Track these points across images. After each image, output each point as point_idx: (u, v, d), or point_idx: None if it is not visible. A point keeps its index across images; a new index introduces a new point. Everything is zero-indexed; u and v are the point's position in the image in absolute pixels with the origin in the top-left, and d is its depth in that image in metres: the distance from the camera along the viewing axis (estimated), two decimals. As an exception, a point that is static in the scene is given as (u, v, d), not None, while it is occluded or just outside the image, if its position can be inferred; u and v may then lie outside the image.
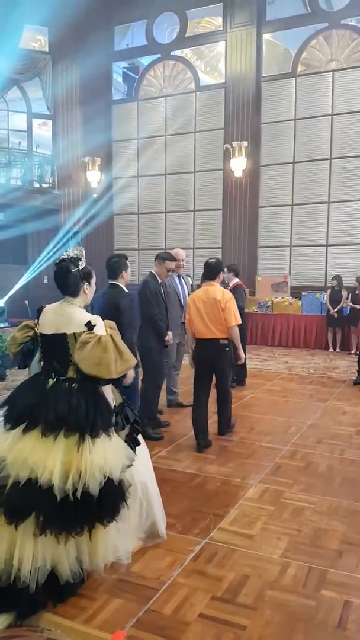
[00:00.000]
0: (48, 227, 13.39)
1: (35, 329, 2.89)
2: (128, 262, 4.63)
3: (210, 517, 3.49)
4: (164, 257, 5.35)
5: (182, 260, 6.24)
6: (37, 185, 13.82)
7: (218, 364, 5.02)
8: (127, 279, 4.52)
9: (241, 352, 5.16)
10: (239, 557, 3.03)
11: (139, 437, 3.06)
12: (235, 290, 6.97)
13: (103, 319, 2.85)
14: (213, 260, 5.19)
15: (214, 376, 5.14)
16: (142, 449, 3.08)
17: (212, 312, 4.87)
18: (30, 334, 2.90)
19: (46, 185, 13.95)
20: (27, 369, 3.01)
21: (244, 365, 7.02)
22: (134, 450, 2.88)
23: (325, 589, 2.72)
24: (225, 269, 6.90)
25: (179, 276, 6.27)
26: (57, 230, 13.52)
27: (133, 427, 3.01)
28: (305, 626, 2.44)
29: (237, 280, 7.47)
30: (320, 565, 2.94)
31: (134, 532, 2.98)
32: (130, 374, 4.14)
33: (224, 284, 6.81)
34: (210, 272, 5.10)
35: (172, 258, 5.51)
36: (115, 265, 4.48)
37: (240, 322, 5.00)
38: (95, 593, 2.67)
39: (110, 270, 4.49)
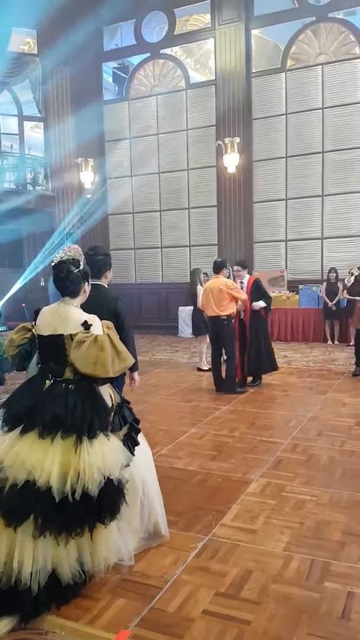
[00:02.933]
0: (43, 230, 13.37)
1: (33, 331, 2.88)
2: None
3: (212, 514, 3.49)
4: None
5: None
6: (30, 187, 13.79)
7: (220, 333, 7.01)
8: (109, 279, 4.13)
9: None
10: (241, 552, 3.03)
11: (141, 436, 3.05)
12: (257, 282, 7.31)
13: None
14: (219, 259, 7.40)
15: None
16: (144, 448, 3.08)
17: (218, 297, 6.86)
18: (28, 335, 2.89)
19: (40, 187, 13.92)
20: (25, 371, 3.01)
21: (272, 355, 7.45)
22: (132, 450, 2.87)
23: (328, 581, 2.72)
24: (236, 266, 7.43)
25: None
26: (52, 232, 13.49)
27: (132, 427, 3.00)
28: (310, 618, 2.44)
29: (248, 275, 7.47)
30: (323, 557, 2.94)
31: (135, 533, 2.97)
32: (136, 377, 4.12)
33: (239, 283, 7.35)
34: (217, 268, 7.15)
35: None
36: (101, 263, 3.99)
37: (245, 295, 6.95)
38: (98, 593, 2.66)
39: (94, 268, 3.88)
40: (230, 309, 6.90)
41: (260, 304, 7.11)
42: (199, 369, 8.51)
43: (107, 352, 2.68)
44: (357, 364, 7.95)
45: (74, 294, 2.87)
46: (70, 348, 2.73)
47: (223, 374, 7.14)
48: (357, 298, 8.91)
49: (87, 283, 2.95)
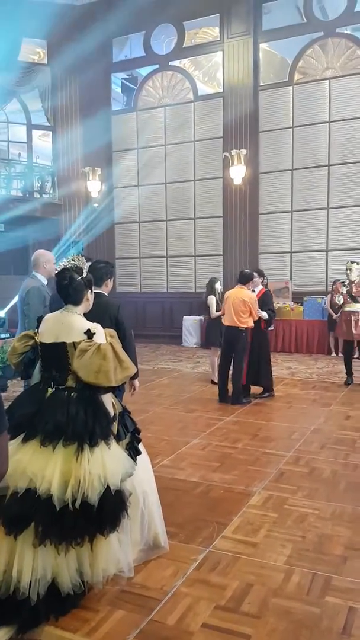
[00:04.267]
0: (49, 237, 13.42)
1: (36, 338, 2.88)
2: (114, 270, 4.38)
3: (213, 526, 3.46)
4: None
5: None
6: (37, 195, 13.87)
7: (234, 344, 6.99)
8: (109, 288, 4.13)
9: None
10: (242, 565, 3.00)
11: (141, 446, 3.04)
12: (266, 294, 7.41)
13: None
14: (248, 271, 7.29)
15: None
16: (144, 458, 3.06)
17: (240, 308, 6.88)
18: (30, 343, 2.89)
19: (47, 195, 14.00)
20: (27, 379, 3.01)
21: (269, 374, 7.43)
22: (135, 459, 2.86)
23: (329, 595, 2.69)
24: (255, 274, 7.41)
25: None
26: (58, 240, 13.54)
27: (133, 436, 2.99)
28: (310, 633, 2.41)
29: (261, 287, 7.53)
30: (325, 572, 2.91)
31: (135, 544, 2.94)
32: (136, 384, 4.14)
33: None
34: (244, 279, 7.12)
35: None
36: (102, 272, 4.02)
37: (261, 315, 7.06)
38: (97, 605, 2.64)
39: (95, 277, 3.81)
40: (250, 322, 6.95)
41: (263, 313, 7.12)
42: (213, 382, 8.05)
43: (109, 361, 2.68)
44: (348, 374, 8.10)
45: (76, 302, 2.88)
46: (72, 356, 2.73)
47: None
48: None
49: (90, 291, 2.95)
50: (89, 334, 2.75)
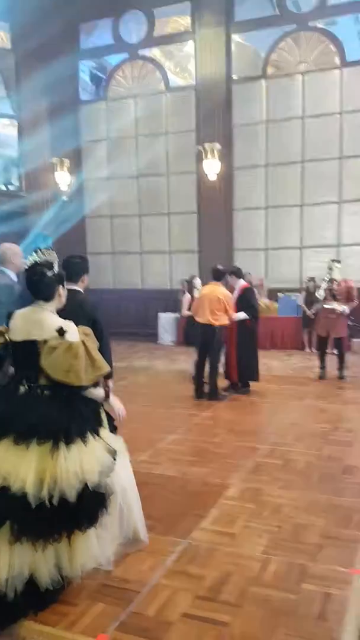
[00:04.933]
0: (16, 231, 12.96)
1: (6, 335, 2.80)
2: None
3: (191, 518, 3.50)
4: None
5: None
6: (3, 187, 13.46)
7: (210, 342, 6.92)
8: (85, 284, 4.00)
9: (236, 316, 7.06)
10: (220, 555, 3.05)
11: (120, 442, 3.02)
12: (246, 291, 7.33)
13: None
14: (221, 267, 7.27)
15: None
16: (123, 455, 3.05)
17: (215, 306, 6.80)
18: (1, 340, 2.81)
19: (12, 187, 13.60)
20: None
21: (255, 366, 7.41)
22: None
23: (306, 583, 2.75)
24: (228, 274, 7.43)
25: None
26: (25, 234, 13.17)
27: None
28: (288, 620, 2.46)
29: (242, 282, 7.50)
30: (301, 560, 2.97)
31: (114, 539, 2.93)
32: (110, 384, 4.08)
33: (230, 288, 7.38)
34: (218, 275, 7.09)
35: None
36: (77, 267, 3.88)
37: (235, 315, 6.98)
38: (76, 599, 2.65)
39: (71, 272, 3.77)
40: (224, 319, 6.90)
41: (240, 315, 7.08)
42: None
43: (80, 359, 2.64)
44: (321, 368, 8.29)
45: (48, 298, 2.81)
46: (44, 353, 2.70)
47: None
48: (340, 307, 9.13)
49: (62, 287, 2.89)
50: (61, 332, 2.69)
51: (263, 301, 11.69)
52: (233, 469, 4.43)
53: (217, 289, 6.96)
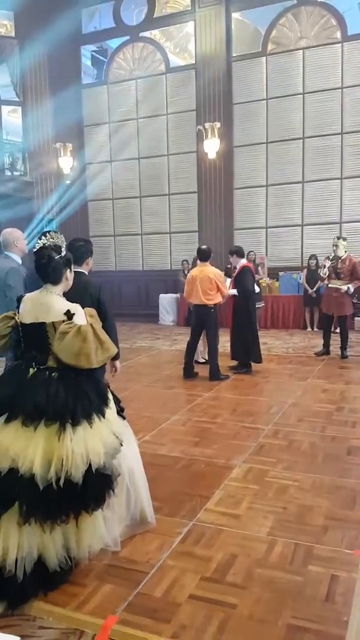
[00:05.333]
0: (21, 216, 13.13)
1: (16, 319, 2.84)
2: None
3: (196, 499, 3.52)
4: None
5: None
6: (8, 173, 13.55)
7: (205, 322, 7.05)
8: (90, 267, 4.07)
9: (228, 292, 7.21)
10: (226, 537, 3.07)
11: (126, 424, 3.04)
12: (243, 270, 7.25)
13: None
14: (205, 247, 7.17)
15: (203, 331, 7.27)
16: (130, 436, 3.07)
17: (207, 286, 6.87)
18: (11, 324, 2.85)
19: (17, 173, 13.68)
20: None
21: (257, 345, 7.40)
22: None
23: (312, 565, 2.77)
24: (229, 253, 7.49)
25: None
26: (30, 218, 13.29)
27: (117, 414, 2.98)
28: (294, 602, 2.49)
29: (244, 261, 7.46)
30: (307, 542, 2.99)
31: (121, 520, 2.97)
32: (118, 365, 4.12)
33: (229, 268, 7.60)
34: (204, 256, 7.09)
35: None
36: (82, 250, 3.94)
37: (227, 290, 7.09)
38: (85, 579, 2.68)
39: (76, 256, 3.76)
40: (217, 298, 6.99)
41: (232, 290, 7.26)
42: (196, 362, 7.71)
43: (90, 342, 2.67)
44: (324, 346, 8.37)
45: (55, 282, 2.83)
46: (52, 336, 2.72)
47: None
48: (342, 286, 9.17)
49: (69, 270, 2.91)
50: (69, 315, 2.73)
51: (264, 280, 11.69)
52: (237, 450, 4.45)
53: (206, 269, 7.03)
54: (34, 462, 2.52)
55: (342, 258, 8.11)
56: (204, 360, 7.89)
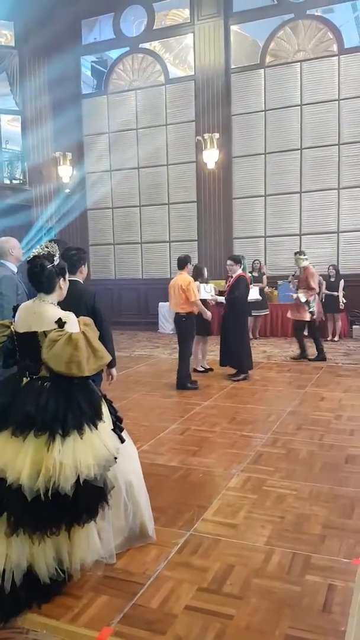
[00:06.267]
0: (20, 224, 13.19)
1: (11, 328, 2.82)
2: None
3: (194, 509, 3.50)
4: None
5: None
6: (7, 181, 13.60)
7: (178, 330, 7.18)
8: (84, 275, 4.11)
9: (207, 314, 7.22)
10: (223, 547, 3.04)
11: (126, 436, 3.00)
12: (238, 279, 7.36)
13: None
14: (182, 255, 7.30)
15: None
16: (130, 448, 3.03)
17: (178, 294, 6.92)
18: (7, 333, 2.83)
19: (17, 181, 13.73)
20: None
21: (249, 354, 7.57)
22: (121, 440, 2.83)
23: (309, 574, 2.75)
24: (228, 261, 7.63)
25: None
26: (29, 227, 13.34)
27: (115, 425, 2.92)
28: (292, 612, 2.46)
29: (239, 271, 7.48)
30: (304, 551, 2.96)
31: (119, 532, 2.92)
32: (114, 372, 4.11)
33: (204, 279, 7.69)
34: (179, 264, 7.15)
35: None
36: (74, 258, 3.98)
37: (198, 296, 6.99)
38: (80, 591, 2.65)
39: (69, 264, 3.75)
40: (189, 307, 6.97)
41: (217, 298, 7.52)
42: (195, 370, 7.84)
43: (82, 350, 2.63)
44: (301, 349, 8.84)
45: (48, 291, 2.81)
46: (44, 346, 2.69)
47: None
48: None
49: (62, 279, 2.88)
50: (60, 323, 2.69)
51: (266, 288, 11.71)
52: (235, 458, 4.42)
53: (179, 278, 7.03)
54: (22, 472, 2.49)
55: (303, 268, 8.79)
56: (203, 369, 7.90)
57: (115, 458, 2.72)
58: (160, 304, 12.92)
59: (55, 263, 2.83)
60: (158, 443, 4.88)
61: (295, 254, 9.07)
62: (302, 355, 8.80)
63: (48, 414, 2.60)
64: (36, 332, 2.71)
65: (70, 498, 2.51)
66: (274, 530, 3.21)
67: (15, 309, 2.89)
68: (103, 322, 3.87)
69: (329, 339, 10.73)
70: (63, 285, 2.90)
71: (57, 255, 2.87)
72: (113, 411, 2.98)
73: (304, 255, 8.96)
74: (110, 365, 4.02)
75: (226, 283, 7.71)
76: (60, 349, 2.62)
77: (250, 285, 8.04)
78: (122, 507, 2.89)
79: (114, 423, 2.90)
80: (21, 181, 13.77)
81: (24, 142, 13.98)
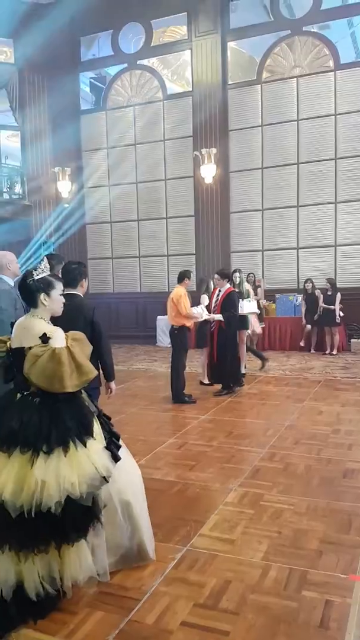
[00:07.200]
0: (19, 239, 13.26)
1: (8, 344, 2.82)
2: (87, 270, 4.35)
3: (190, 524, 3.48)
4: None
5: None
6: (6, 196, 13.70)
7: (171, 342, 7.34)
8: (85, 288, 4.11)
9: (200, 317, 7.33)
10: (220, 562, 3.03)
11: (127, 453, 2.96)
12: (229, 295, 7.41)
13: (68, 331, 2.81)
14: (183, 270, 7.47)
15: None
16: (130, 467, 2.98)
17: (171, 307, 7.09)
18: (4, 348, 2.83)
19: (16, 196, 13.82)
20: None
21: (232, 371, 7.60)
22: (116, 459, 2.77)
23: (306, 590, 2.73)
24: (216, 275, 7.63)
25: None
26: (28, 242, 13.40)
27: (112, 442, 2.86)
28: (288, 628, 2.45)
29: (228, 286, 7.54)
30: (301, 566, 2.95)
31: (114, 550, 2.85)
32: (113, 386, 4.12)
33: (218, 291, 7.57)
34: (179, 278, 7.29)
35: None
36: (75, 272, 4.01)
37: (188, 310, 7.02)
38: (75, 607, 2.63)
39: (69, 278, 3.95)
40: (181, 320, 7.07)
41: (214, 316, 7.38)
42: (202, 383, 8.06)
43: (64, 365, 2.58)
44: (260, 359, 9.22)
45: (32, 305, 2.83)
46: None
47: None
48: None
49: (44, 294, 2.80)
50: (44, 339, 2.66)
51: (262, 302, 11.73)
52: (232, 473, 4.41)
53: (174, 291, 7.20)
54: (5, 489, 2.47)
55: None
56: (207, 383, 7.92)
57: (105, 477, 2.63)
58: (159, 317, 12.94)
59: (36, 277, 2.80)
60: (155, 457, 4.87)
61: (234, 272, 8.69)
62: (263, 364, 9.17)
63: (30, 430, 2.58)
64: (24, 347, 2.71)
65: (58, 516, 2.48)
66: (271, 545, 3.19)
67: (12, 324, 2.90)
68: (102, 336, 3.89)
69: (327, 352, 10.75)
70: (47, 300, 2.81)
71: (43, 270, 2.84)
72: (108, 428, 2.91)
73: (239, 273, 8.69)
74: (109, 378, 4.04)
75: (212, 298, 7.70)
76: (43, 364, 2.60)
77: (242, 301, 8.04)
78: (118, 526, 2.83)
79: (109, 440, 2.83)
80: (20, 196, 13.88)
81: (23, 158, 14.15)
